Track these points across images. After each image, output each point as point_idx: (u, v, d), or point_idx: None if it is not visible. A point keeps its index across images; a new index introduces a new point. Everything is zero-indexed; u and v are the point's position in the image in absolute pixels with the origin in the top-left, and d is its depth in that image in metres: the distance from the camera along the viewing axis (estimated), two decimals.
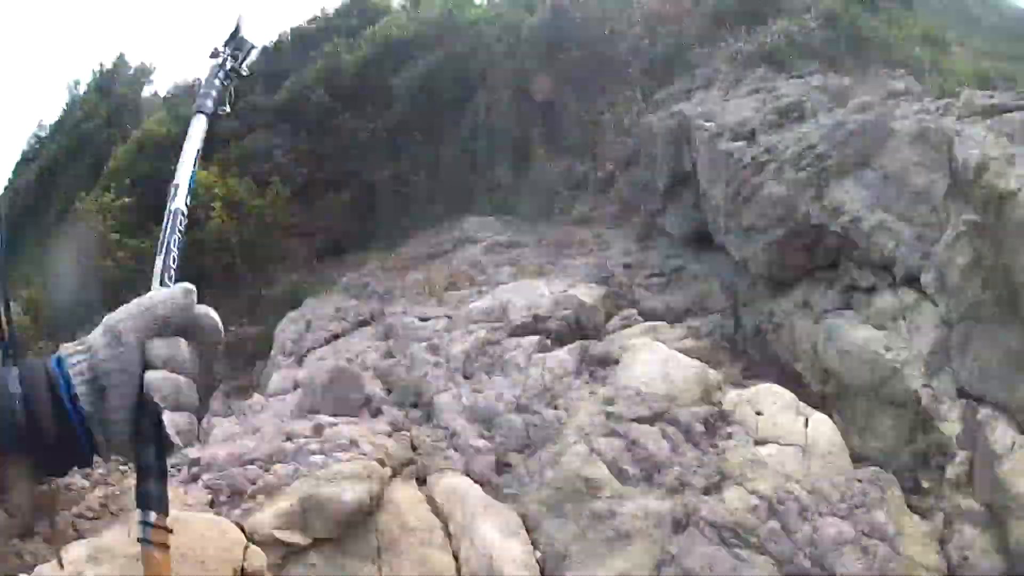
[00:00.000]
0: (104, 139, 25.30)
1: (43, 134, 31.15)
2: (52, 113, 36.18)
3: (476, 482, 4.74)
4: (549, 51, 10.61)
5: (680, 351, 5.68)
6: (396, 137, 12.07)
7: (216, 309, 0.79)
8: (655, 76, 10.19)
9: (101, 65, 31.29)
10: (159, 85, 31.85)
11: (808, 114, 6.83)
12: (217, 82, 1.27)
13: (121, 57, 31.27)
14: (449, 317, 7.27)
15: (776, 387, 5.25)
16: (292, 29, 19.51)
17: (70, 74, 57.69)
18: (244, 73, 1.34)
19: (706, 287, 7.28)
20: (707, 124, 7.41)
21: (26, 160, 29.92)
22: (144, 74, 31.19)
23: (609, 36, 10.54)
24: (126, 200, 17.06)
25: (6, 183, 29.47)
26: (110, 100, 28.16)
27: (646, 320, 6.71)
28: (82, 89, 31.87)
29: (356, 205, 12.29)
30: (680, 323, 6.74)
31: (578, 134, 10.26)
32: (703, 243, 7.54)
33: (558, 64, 10.54)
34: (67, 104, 31.69)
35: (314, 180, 12.62)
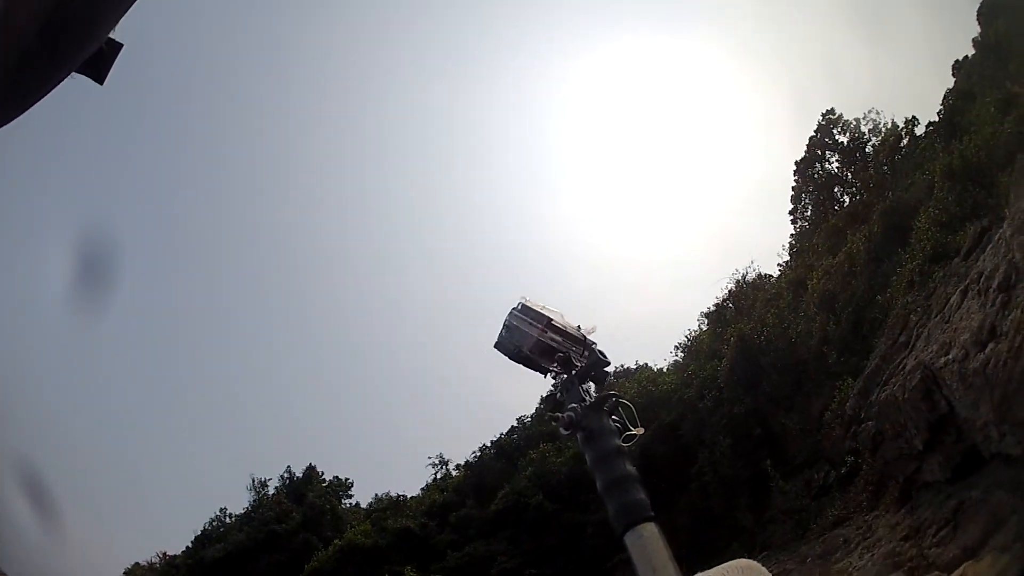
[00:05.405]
0: (300, 541, 28.45)
1: (228, 520, 34.99)
2: (231, 500, 40.50)
3: None
4: (750, 386, 11.72)
5: None
6: None
7: None
8: (855, 351, 10.45)
9: (291, 472, 35.62)
10: (358, 495, 35.38)
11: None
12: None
13: (312, 467, 35.64)
14: None
15: None
16: (492, 442, 21.27)
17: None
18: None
19: (995, 502, 6.87)
20: (949, 356, 7.33)
21: (208, 538, 33.62)
22: (342, 487, 35.03)
23: (795, 342, 11.33)
24: None
25: (186, 549, 33.27)
26: (303, 507, 31.46)
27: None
28: (270, 489, 35.95)
29: None
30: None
31: (806, 447, 10.57)
32: (969, 471, 7.34)
33: (762, 393, 11.51)
34: (254, 501, 35.64)
35: None
